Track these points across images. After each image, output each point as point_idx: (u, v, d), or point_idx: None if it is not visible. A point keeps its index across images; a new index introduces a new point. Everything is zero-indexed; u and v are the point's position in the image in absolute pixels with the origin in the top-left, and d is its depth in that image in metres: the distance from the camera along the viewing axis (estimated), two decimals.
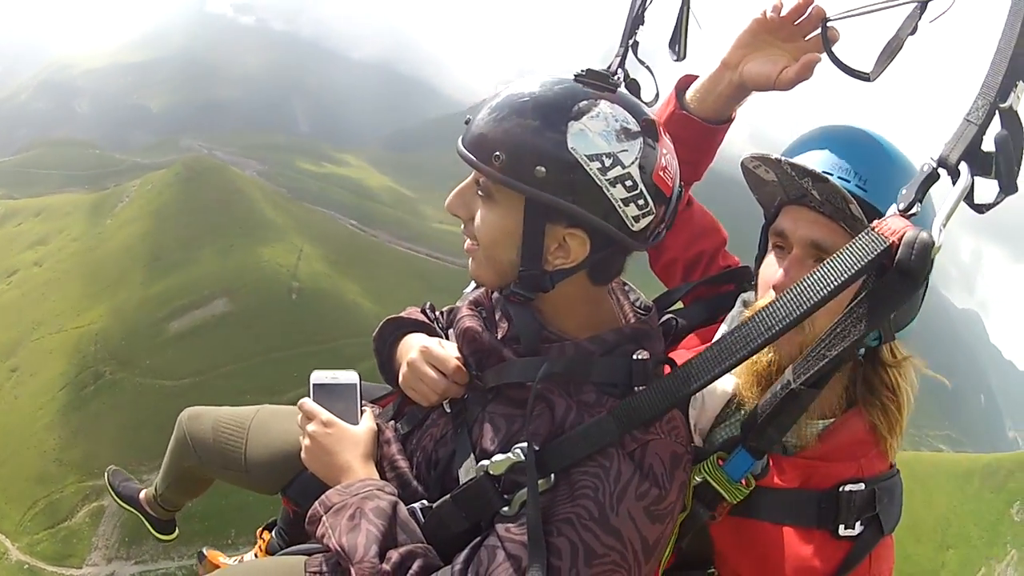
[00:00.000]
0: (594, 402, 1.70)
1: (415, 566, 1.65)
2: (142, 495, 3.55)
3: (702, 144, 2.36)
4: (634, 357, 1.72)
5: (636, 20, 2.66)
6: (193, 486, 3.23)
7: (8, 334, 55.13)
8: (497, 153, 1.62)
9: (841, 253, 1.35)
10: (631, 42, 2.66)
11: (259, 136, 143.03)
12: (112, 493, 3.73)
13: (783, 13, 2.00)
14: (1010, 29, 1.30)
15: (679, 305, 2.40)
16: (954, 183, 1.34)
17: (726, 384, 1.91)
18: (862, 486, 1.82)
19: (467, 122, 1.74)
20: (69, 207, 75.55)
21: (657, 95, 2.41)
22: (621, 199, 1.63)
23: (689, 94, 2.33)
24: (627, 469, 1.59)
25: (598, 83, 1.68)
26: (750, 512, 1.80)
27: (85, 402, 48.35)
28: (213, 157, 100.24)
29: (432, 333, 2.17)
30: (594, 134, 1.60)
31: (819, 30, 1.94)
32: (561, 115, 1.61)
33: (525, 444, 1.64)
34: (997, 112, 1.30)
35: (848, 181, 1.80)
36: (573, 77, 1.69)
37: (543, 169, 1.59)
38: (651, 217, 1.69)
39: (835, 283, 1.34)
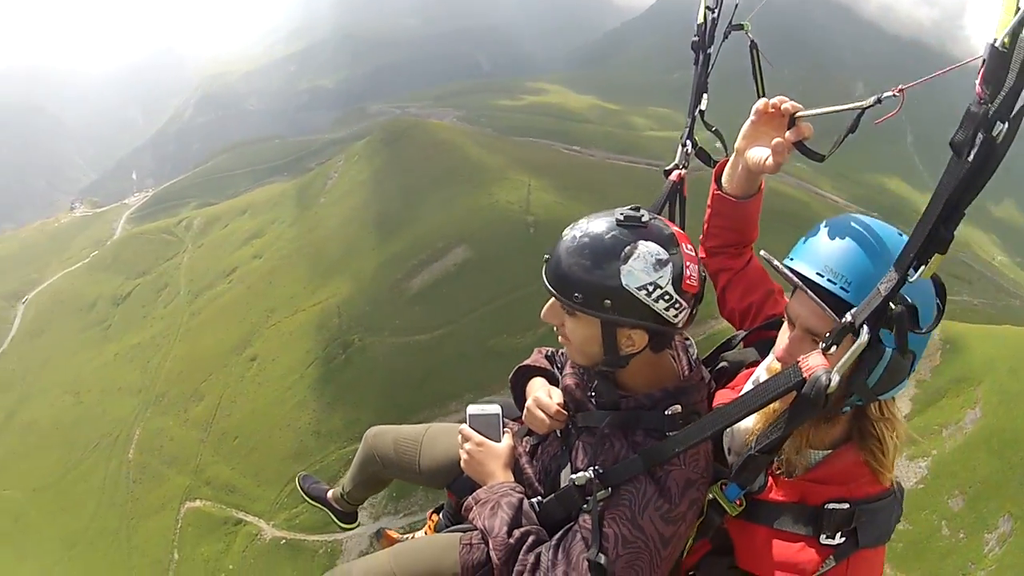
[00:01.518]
0: (642, 442, 2.52)
1: (529, 540, 2.55)
2: (329, 494, 4.58)
3: (739, 216, 3.03)
4: (666, 412, 2.51)
5: (700, 89, 3.32)
6: (374, 485, 4.23)
7: (240, 328, 57.52)
8: (576, 294, 2.40)
9: (769, 380, 2.09)
10: (698, 111, 3.34)
11: (445, 87, 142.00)
12: (302, 493, 4.77)
13: (770, 110, 2.58)
14: (932, 206, 1.67)
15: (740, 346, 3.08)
16: (854, 342, 1.94)
17: (749, 423, 2.48)
18: (846, 505, 2.31)
19: (546, 259, 2.52)
20: (276, 197, 77.65)
21: (727, 154, 2.98)
22: (663, 308, 2.40)
23: (724, 176, 2.98)
24: (651, 489, 2.41)
25: (633, 225, 2.41)
26: (752, 518, 2.44)
27: (337, 372, 50.10)
28: (409, 115, 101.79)
29: (551, 375, 3.08)
30: (639, 271, 2.35)
31: (792, 126, 2.53)
32: (614, 261, 2.36)
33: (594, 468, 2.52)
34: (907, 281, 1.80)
35: (835, 283, 2.20)
36: (615, 222, 2.42)
37: (609, 302, 2.37)
38: (685, 311, 2.46)
39: (761, 401, 2.10)
